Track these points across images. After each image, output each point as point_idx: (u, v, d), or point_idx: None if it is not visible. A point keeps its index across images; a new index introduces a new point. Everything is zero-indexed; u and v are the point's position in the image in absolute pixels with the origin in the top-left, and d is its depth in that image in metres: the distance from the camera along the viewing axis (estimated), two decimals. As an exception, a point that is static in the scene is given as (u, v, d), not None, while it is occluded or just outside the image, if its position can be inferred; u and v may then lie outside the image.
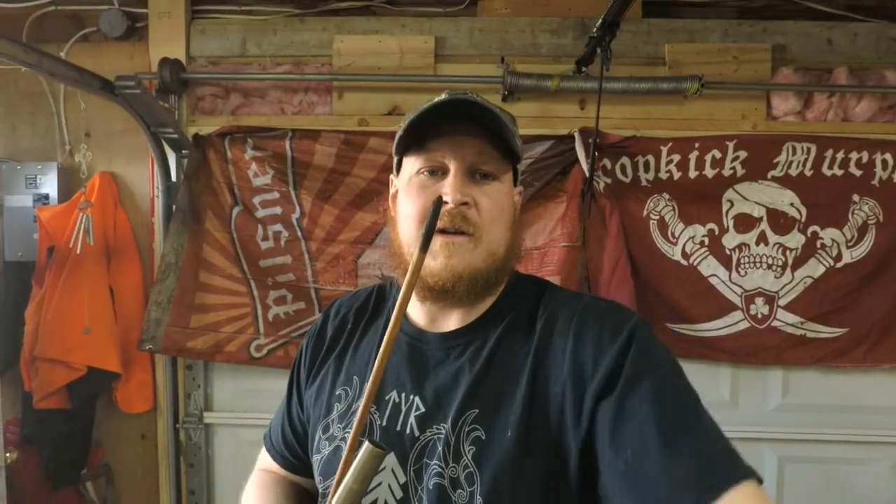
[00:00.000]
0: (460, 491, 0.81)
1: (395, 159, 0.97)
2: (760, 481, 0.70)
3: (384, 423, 0.90)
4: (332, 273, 2.27)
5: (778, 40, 2.27)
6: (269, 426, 1.15)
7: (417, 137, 0.89)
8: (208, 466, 2.40)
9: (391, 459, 0.87)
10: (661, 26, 2.28)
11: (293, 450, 1.08)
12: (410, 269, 0.61)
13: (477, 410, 0.84)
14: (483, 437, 0.82)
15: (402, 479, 0.86)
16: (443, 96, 0.89)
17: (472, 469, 0.81)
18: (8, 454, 1.96)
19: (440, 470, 0.83)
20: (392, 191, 1.00)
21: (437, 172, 0.88)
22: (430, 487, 0.83)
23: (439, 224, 0.81)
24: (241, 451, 2.34)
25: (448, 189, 0.85)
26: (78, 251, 2.20)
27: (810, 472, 2.35)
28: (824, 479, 2.34)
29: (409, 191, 0.90)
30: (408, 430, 0.88)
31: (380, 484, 0.87)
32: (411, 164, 0.91)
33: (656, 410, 0.73)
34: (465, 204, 0.85)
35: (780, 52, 2.27)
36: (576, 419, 0.79)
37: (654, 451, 0.70)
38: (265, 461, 1.14)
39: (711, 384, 2.34)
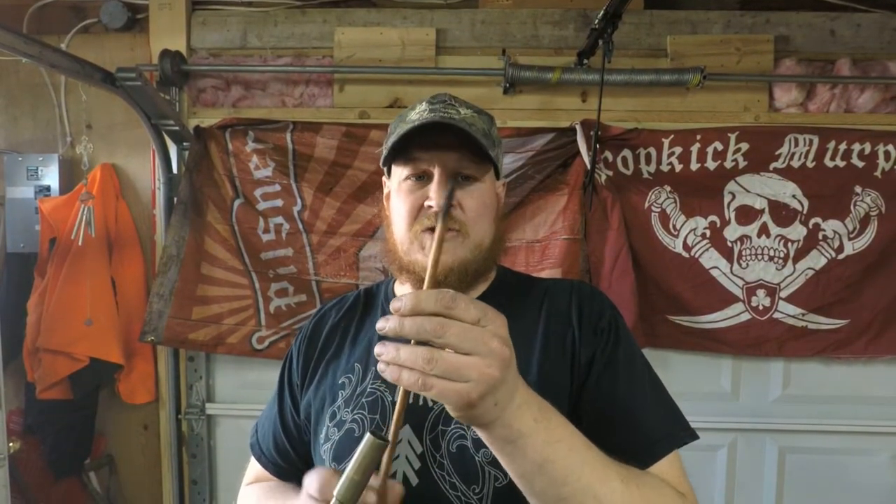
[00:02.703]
0: (484, 450, 0.87)
1: (384, 167, 1.05)
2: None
3: (396, 399, 0.93)
4: (334, 266, 2.27)
5: (780, 31, 2.26)
6: (255, 436, 1.16)
7: (403, 147, 0.96)
8: (210, 457, 2.42)
9: (406, 431, 0.92)
10: (664, 17, 2.27)
11: (286, 454, 1.08)
12: (436, 238, 0.70)
13: None
14: None
15: (419, 450, 0.90)
16: (424, 109, 0.97)
17: None
18: (11, 444, 1.97)
19: (462, 433, 0.89)
20: (385, 191, 1.08)
21: (423, 177, 0.96)
22: (453, 450, 0.89)
23: (428, 224, 0.94)
24: (242, 442, 2.33)
25: (433, 194, 0.93)
26: (80, 243, 2.21)
27: (811, 462, 2.36)
28: (825, 470, 2.35)
29: (398, 195, 0.99)
30: (421, 402, 0.94)
31: (397, 457, 0.90)
32: (399, 171, 0.99)
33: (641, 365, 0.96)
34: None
35: (783, 44, 2.26)
36: (580, 356, 0.93)
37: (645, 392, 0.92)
38: (254, 471, 1.15)
39: (713, 376, 2.35)
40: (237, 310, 2.28)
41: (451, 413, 0.65)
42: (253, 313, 2.28)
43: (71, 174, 2.38)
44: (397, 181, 0.99)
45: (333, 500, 0.72)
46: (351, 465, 0.71)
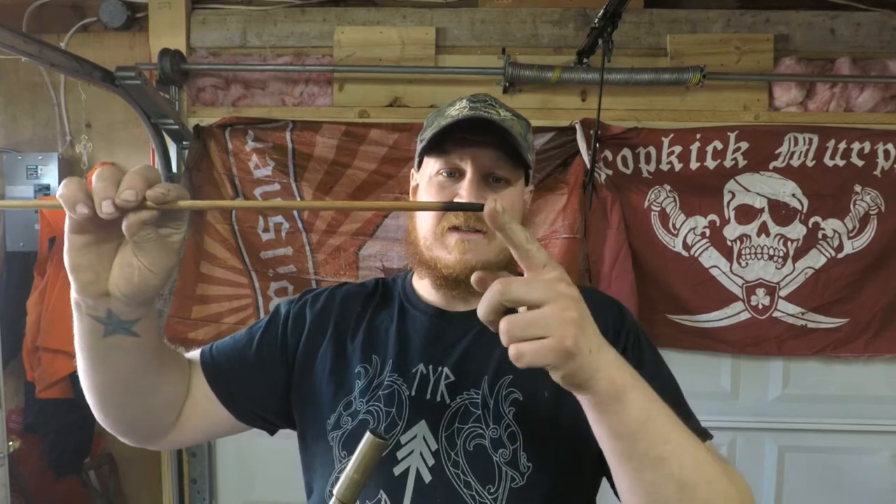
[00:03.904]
0: (502, 450, 0.89)
1: (417, 159, 1.03)
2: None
3: (413, 394, 0.95)
4: (333, 265, 2.27)
5: (780, 30, 2.26)
6: (211, 346, 1.05)
7: (437, 141, 0.95)
8: (210, 456, 2.42)
9: (422, 428, 0.92)
10: (663, 16, 2.27)
11: (219, 368, 1.01)
12: None
13: (511, 376, 0.94)
14: (521, 399, 0.92)
15: (434, 447, 0.90)
16: (464, 106, 0.96)
17: (514, 428, 0.90)
18: (11, 443, 1.97)
19: (480, 432, 0.90)
20: (413, 184, 1.07)
21: (455, 174, 0.96)
22: (470, 449, 0.89)
23: (455, 221, 0.93)
24: (243, 441, 2.35)
25: (464, 192, 0.93)
26: (79, 242, 2.20)
27: (811, 461, 2.36)
28: (825, 469, 2.35)
29: (429, 189, 0.98)
30: (438, 398, 0.94)
31: (411, 452, 0.91)
32: (431, 164, 0.98)
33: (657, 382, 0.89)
34: None
35: (783, 43, 2.26)
36: None
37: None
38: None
39: (712, 375, 2.35)
40: (237, 309, 2.28)
41: (558, 378, 0.62)
42: (253, 312, 2.28)
43: (70, 173, 2.38)
44: (428, 175, 0.98)
45: (333, 499, 0.72)
46: (351, 464, 0.71)
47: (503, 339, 0.60)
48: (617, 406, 0.66)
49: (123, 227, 0.68)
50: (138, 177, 0.67)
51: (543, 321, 0.59)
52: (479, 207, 0.64)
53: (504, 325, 0.59)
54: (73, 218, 0.69)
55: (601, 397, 0.65)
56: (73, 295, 0.76)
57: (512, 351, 0.59)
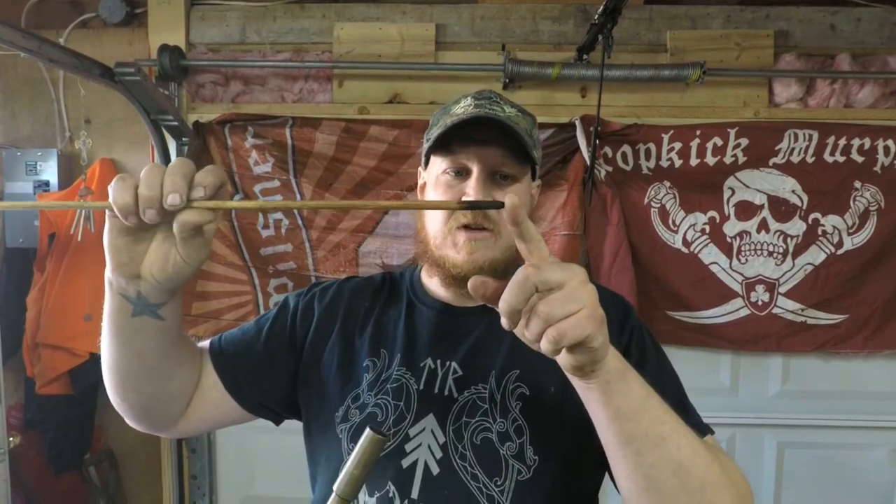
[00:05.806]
0: (509, 443, 0.90)
1: (423, 157, 1.04)
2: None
3: (421, 388, 0.96)
4: (333, 261, 2.27)
5: (780, 26, 2.26)
6: (220, 337, 1.07)
7: (444, 140, 0.95)
8: (210, 452, 2.42)
9: (430, 421, 0.93)
10: (663, 13, 2.27)
11: (227, 359, 1.02)
12: None
13: (518, 371, 0.95)
14: (528, 394, 0.93)
15: (442, 440, 0.92)
16: (469, 104, 0.97)
17: (520, 422, 0.91)
18: (11, 439, 1.97)
19: (487, 426, 0.91)
20: (420, 182, 1.08)
21: (462, 173, 0.96)
22: (477, 443, 0.91)
23: (464, 220, 0.94)
24: (243, 437, 2.36)
25: (471, 191, 0.93)
26: (79, 238, 2.21)
27: (810, 457, 2.36)
28: (824, 465, 2.36)
29: (436, 188, 0.98)
30: (446, 392, 0.95)
31: (419, 445, 0.92)
32: (438, 163, 0.99)
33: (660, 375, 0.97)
34: None
35: (783, 39, 2.26)
36: None
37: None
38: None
39: (712, 371, 2.35)
40: (236, 305, 2.28)
41: (588, 355, 0.63)
42: (252, 309, 2.28)
43: (70, 169, 2.38)
44: (435, 174, 0.99)
45: (333, 495, 0.72)
46: (350, 460, 0.71)
47: (538, 325, 0.60)
48: (622, 384, 0.68)
49: (175, 228, 0.70)
50: (179, 178, 0.68)
51: (576, 294, 0.61)
52: (500, 205, 0.64)
53: (544, 306, 0.60)
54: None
55: (611, 375, 0.67)
56: (108, 273, 0.78)
57: (552, 333, 0.60)
